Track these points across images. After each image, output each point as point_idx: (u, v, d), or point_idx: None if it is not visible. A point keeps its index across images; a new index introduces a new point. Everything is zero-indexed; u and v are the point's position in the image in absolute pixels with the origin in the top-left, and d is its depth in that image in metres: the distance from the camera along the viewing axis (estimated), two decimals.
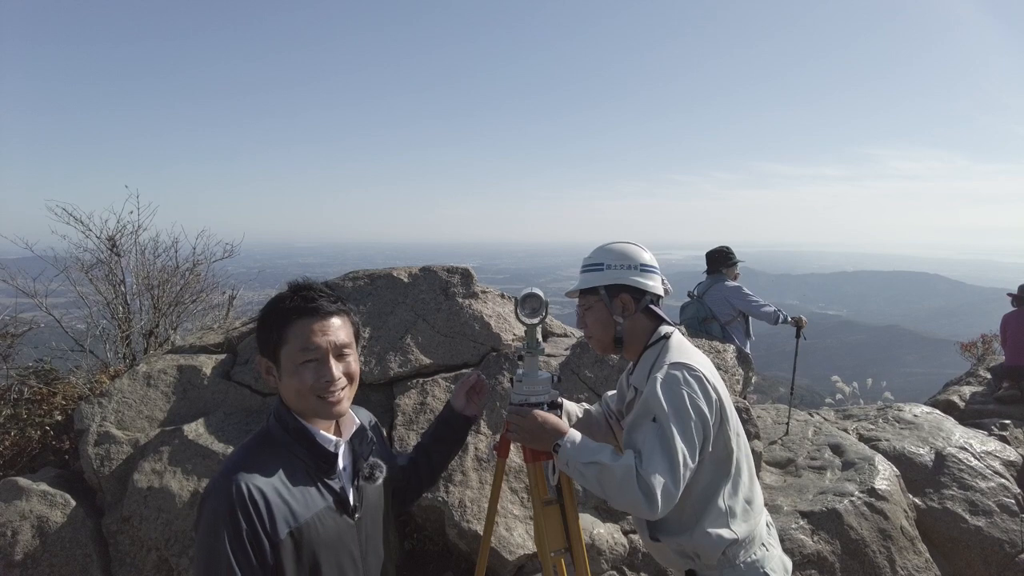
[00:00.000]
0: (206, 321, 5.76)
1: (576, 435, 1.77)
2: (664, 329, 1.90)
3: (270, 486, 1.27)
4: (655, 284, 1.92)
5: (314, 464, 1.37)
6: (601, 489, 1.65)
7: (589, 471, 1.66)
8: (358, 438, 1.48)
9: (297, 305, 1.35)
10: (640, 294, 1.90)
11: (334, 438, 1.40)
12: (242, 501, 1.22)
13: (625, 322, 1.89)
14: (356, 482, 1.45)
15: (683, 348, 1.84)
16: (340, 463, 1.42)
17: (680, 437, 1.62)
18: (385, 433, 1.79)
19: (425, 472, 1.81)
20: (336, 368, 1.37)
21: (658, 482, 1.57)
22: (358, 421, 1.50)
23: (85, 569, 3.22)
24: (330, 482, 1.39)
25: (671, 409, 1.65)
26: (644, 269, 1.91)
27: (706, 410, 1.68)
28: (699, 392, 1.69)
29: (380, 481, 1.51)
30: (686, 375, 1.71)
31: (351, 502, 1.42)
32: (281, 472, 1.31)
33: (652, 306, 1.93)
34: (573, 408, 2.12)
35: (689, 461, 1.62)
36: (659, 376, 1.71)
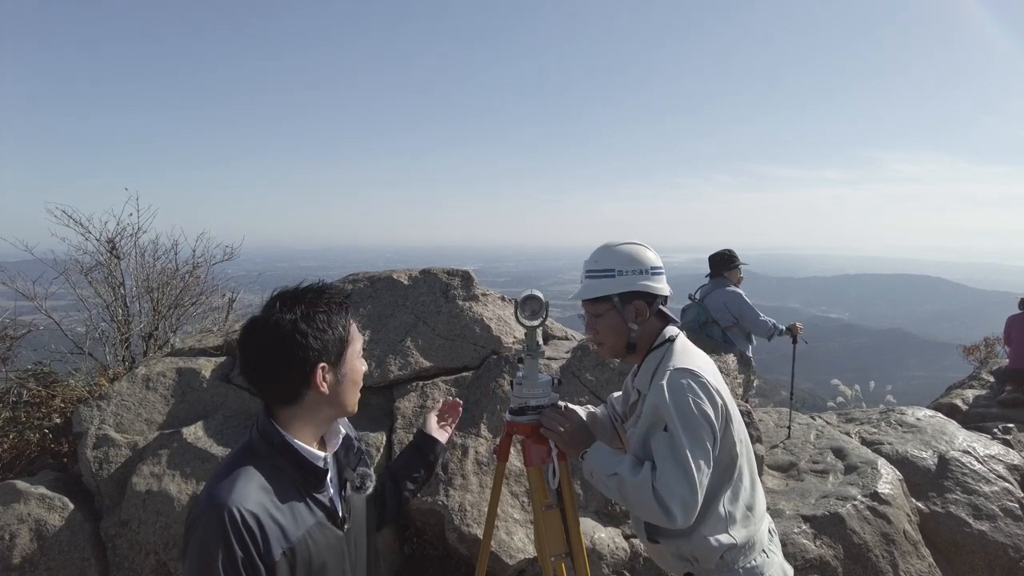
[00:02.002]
0: (206, 324, 5.76)
1: (603, 447, 1.82)
2: (669, 331, 1.88)
3: (261, 507, 1.23)
4: (664, 286, 1.89)
5: (302, 479, 1.33)
6: (623, 500, 1.70)
7: (611, 483, 1.71)
8: (343, 448, 1.46)
9: (346, 303, 1.40)
10: (652, 298, 1.87)
11: (321, 453, 1.38)
12: (235, 526, 1.18)
13: (639, 328, 1.86)
14: (343, 492, 1.43)
15: (687, 352, 1.82)
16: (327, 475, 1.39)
17: (692, 446, 1.62)
18: (385, 439, 1.78)
19: (392, 500, 1.73)
20: None
21: (674, 494, 1.59)
22: (343, 431, 1.47)
23: (83, 573, 3.21)
24: (319, 495, 1.36)
25: (680, 418, 1.65)
26: (654, 272, 1.88)
27: (712, 415, 1.67)
28: (704, 398, 1.68)
29: (369, 491, 1.49)
30: (691, 381, 1.70)
31: (340, 514, 1.40)
32: (269, 490, 1.27)
33: (661, 307, 1.90)
34: (578, 412, 2.10)
35: (704, 467, 1.63)
36: (664, 383, 1.70)
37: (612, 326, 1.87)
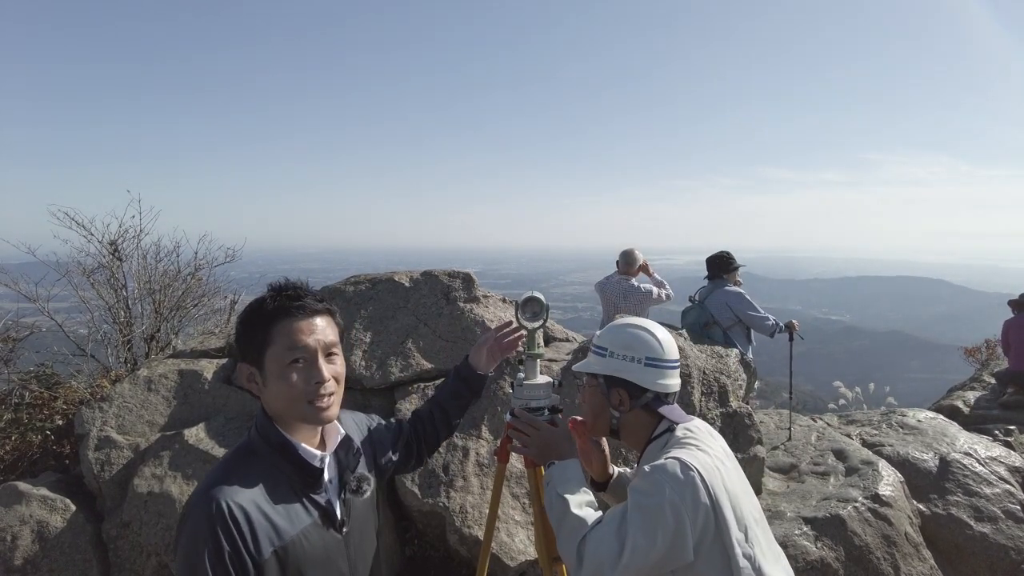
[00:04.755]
0: (208, 326, 5.77)
1: (573, 465, 1.70)
2: (665, 425, 1.69)
3: (252, 503, 1.22)
4: (664, 381, 1.69)
5: (299, 479, 1.32)
6: (557, 523, 1.60)
7: (557, 504, 1.60)
8: (343, 449, 1.43)
9: (282, 304, 1.30)
10: (640, 391, 1.69)
11: (319, 453, 1.36)
12: (223, 520, 1.18)
13: (621, 416, 1.72)
14: (343, 495, 1.41)
15: (687, 443, 1.60)
16: (326, 476, 1.38)
17: (637, 529, 1.45)
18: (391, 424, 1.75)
19: (442, 425, 1.79)
20: (325, 369, 1.32)
21: (594, 556, 1.47)
22: (343, 431, 1.44)
23: (84, 574, 3.21)
24: (316, 496, 1.34)
25: (643, 498, 1.48)
26: (650, 363, 1.68)
27: (687, 517, 1.45)
28: (687, 495, 1.46)
29: (368, 494, 1.47)
30: (677, 472, 1.49)
31: (338, 516, 1.38)
32: (264, 487, 1.26)
33: (658, 405, 1.70)
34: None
35: (639, 554, 1.44)
36: (647, 467, 1.53)
37: (592, 406, 1.77)
